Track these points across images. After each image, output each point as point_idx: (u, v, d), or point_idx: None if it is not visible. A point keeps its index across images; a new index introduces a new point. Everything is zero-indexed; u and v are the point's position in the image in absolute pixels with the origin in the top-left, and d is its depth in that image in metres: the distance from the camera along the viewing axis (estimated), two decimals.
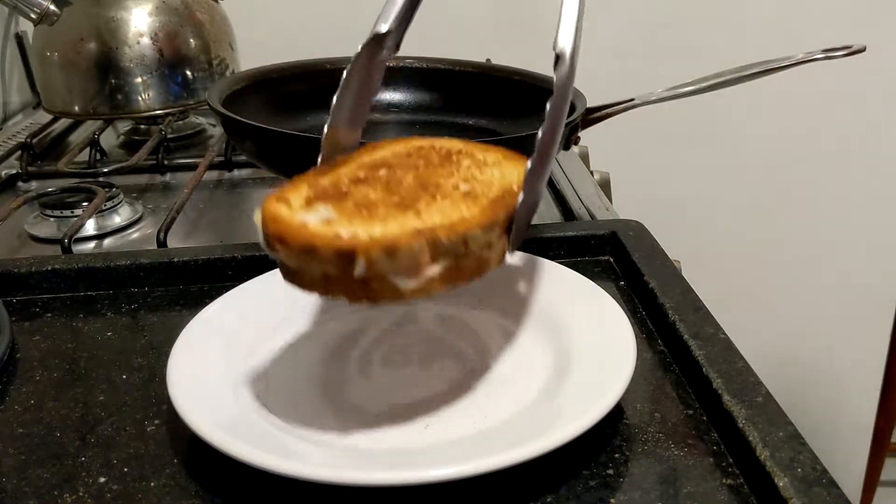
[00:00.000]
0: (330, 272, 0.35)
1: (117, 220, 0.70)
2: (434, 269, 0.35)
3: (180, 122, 0.95)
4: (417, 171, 0.42)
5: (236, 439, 0.35)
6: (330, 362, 0.45)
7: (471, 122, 0.78)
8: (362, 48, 0.44)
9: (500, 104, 0.77)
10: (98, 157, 0.86)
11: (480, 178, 0.42)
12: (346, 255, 0.34)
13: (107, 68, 0.85)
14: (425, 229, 0.35)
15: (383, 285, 0.35)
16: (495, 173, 0.43)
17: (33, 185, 0.81)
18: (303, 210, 0.37)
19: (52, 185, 0.74)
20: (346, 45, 0.88)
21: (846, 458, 1.43)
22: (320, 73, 0.79)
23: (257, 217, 0.37)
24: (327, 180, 0.41)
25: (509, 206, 0.39)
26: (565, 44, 0.41)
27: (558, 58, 0.41)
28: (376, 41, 0.44)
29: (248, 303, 0.48)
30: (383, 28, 0.44)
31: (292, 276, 0.37)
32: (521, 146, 0.61)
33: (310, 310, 0.49)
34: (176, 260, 0.56)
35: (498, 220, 0.38)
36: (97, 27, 0.85)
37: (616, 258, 0.58)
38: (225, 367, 0.42)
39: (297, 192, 0.39)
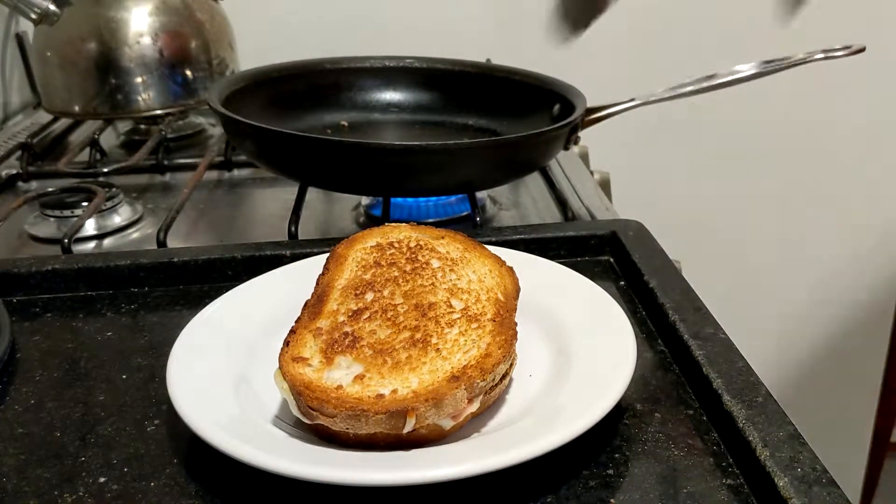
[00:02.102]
0: (379, 430, 0.36)
1: (117, 220, 0.70)
2: (473, 407, 0.37)
3: (180, 122, 0.95)
4: (400, 287, 0.44)
5: (236, 439, 0.35)
6: None
7: (471, 122, 0.78)
8: None
9: (499, 104, 0.77)
10: (98, 157, 0.86)
11: (463, 286, 0.44)
12: (396, 415, 0.35)
13: (107, 68, 0.85)
14: (462, 376, 0.37)
15: (429, 429, 0.37)
16: (471, 277, 0.45)
17: (33, 185, 0.81)
18: (326, 367, 0.38)
19: (52, 185, 0.74)
20: (345, 45, 0.88)
21: (846, 458, 1.43)
22: (320, 73, 0.79)
23: (281, 384, 0.38)
24: (326, 323, 0.42)
25: (508, 319, 0.42)
26: None
27: None
28: None
29: (247, 302, 0.48)
30: None
31: (333, 437, 0.37)
32: (521, 146, 0.62)
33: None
34: (176, 260, 0.56)
35: (511, 341, 0.40)
36: (97, 27, 0.85)
37: (616, 258, 0.58)
38: (224, 366, 0.42)
39: (306, 345, 0.40)
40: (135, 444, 0.40)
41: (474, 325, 0.41)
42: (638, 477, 0.37)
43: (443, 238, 0.49)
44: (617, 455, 0.38)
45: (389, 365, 0.38)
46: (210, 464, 0.37)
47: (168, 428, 0.41)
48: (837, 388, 1.42)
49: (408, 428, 0.35)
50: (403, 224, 0.51)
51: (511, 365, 0.41)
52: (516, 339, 0.41)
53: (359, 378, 0.37)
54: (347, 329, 0.41)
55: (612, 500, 0.35)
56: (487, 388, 0.38)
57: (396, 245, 0.48)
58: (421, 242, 0.48)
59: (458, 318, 0.41)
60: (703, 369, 0.42)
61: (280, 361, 0.39)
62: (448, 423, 0.37)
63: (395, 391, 0.36)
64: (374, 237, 0.49)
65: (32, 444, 0.40)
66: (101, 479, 0.37)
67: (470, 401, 0.37)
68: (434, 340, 0.40)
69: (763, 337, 1.37)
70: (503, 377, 0.40)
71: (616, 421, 0.40)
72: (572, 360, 0.42)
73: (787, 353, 1.38)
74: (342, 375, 0.38)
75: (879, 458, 1.36)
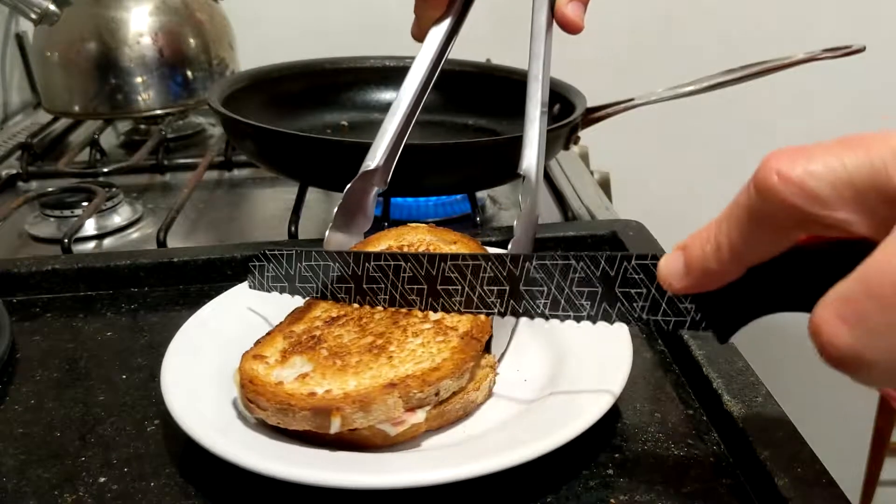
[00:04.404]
0: (310, 428, 0.36)
1: (117, 220, 0.70)
2: (417, 417, 0.37)
3: (180, 122, 0.95)
4: None
5: (231, 442, 0.35)
6: None
7: (470, 122, 0.78)
8: (353, 183, 0.48)
9: (499, 104, 0.76)
10: (98, 157, 0.86)
11: None
12: (321, 413, 0.35)
13: (107, 68, 0.85)
14: (399, 383, 0.36)
15: (372, 432, 0.36)
16: None
17: (33, 185, 0.81)
18: (279, 366, 0.39)
19: (52, 185, 0.74)
20: (345, 45, 0.88)
21: (846, 458, 1.42)
22: (320, 73, 0.79)
23: (236, 378, 0.38)
24: (302, 327, 0.42)
25: (477, 340, 0.40)
26: (529, 165, 0.48)
27: (523, 178, 0.47)
28: (365, 177, 0.48)
29: (243, 303, 0.48)
30: (371, 164, 0.48)
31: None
32: (521, 146, 0.62)
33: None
34: (176, 260, 0.56)
35: (468, 361, 0.39)
36: (97, 27, 0.85)
37: None
38: (220, 368, 0.42)
39: (273, 345, 0.40)
40: (135, 444, 0.40)
41: (440, 339, 0.40)
42: (638, 477, 0.37)
43: (455, 244, 0.49)
44: (617, 455, 0.38)
45: (337, 367, 0.38)
46: (210, 464, 0.37)
47: (168, 428, 0.41)
48: (837, 389, 1.42)
49: (334, 428, 0.35)
50: (422, 225, 0.50)
51: (475, 381, 0.39)
52: (477, 362, 0.40)
53: (302, 377, 0.37)
54: (317, 333, 0.41)
55: (612, 500, 0.35)
56: (432, 402, 0.37)
57: (407, 249, 0.48)
58: (431, 247, 0.48)
59: (428, 329, 0.41)
60: (703, 369, 0.42)
61: (241, 358, 0.39)
62: (391, 430, 0.36)
63: (328, 391, 0.36)
64: (388, 240, 0.49)
65: (32, 444, 0.40)
66: (101, 479, 0.37)
67: (411, 410, 0.36)
68: (391, 348, 0.39)
69: (763, 337, 1.37)
70: (465, 398, 0.39)
71: (616, 421, 0.40)
72: (569, 363, 0.42)
73: (787, 353, 1.38)
74: (289, 374, 0.38)
75: (879, 458, 1.36)
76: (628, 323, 0.34)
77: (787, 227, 0.27)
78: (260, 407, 0.36)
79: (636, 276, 0.33)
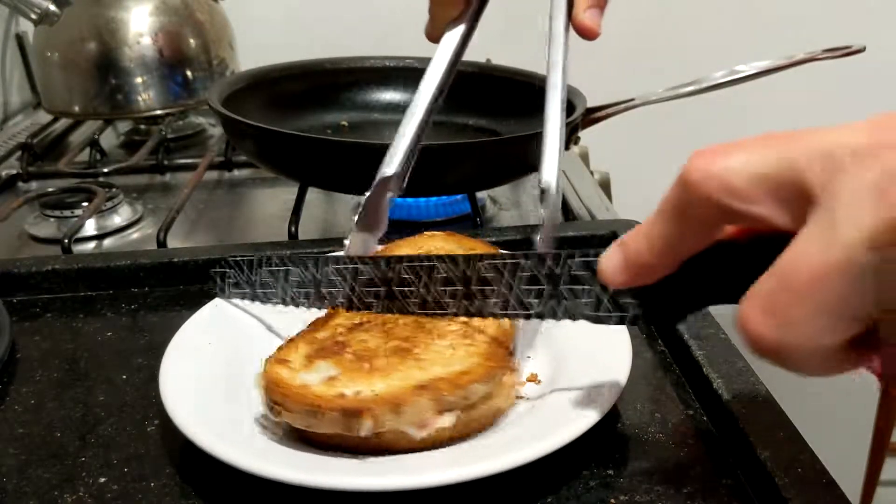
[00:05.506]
0: (339, 431, 0.35)
1: (117, 220, 0.70)
2: (444, 421, 0.36)
3: (180, 122, 0.95)
4: None
5: (230, 444, 0.35)
6: None
7: (471, 122, 0.78)
8: (372, 190, 0.48)
9: (500, 104, 0.77)
10: (98, 157, 0.86)
11: None
12: (351, 415, 0.35)
13: (107, 68, 0.85)
14: (430, 386, 0.36)
15: (396, 436, 0.36)
16: None
17: (33, 185, 0.81)
18: (303, 370, 0.38)
19: (52, 185, 0.74)
20: (345, 45, 0.88)
21: (846, 458, 1.42)
22: (320, 73, 0.79)
23: (260, 381, 0.38)
24: (325, 334, 0.42)
25: (507, 339, 0.40)
26: (550, 178, 0.46)
27: (544, 192, 0.46)
28: (382, 184, 0.48)
29: (243, 304, 0.48)
30: (389, 172, 0.48)
31: (301, 433, 0.37)
32: (521, 146, 0.62)
33: (304, 312, 0.49)
34: (176, 260, 0.56)
35: (496, 369, 0.38)
36: (97, 27, 0.85)
37: None
38: (219, 369, 0.42)
39: (296, 351, 0.40)
40: (135, 444, 0.40)
41: (467, 342, 0.40)
42: (638, 477, 0.37)
43: (473, 250, 0.48)
44: (617, 455, 0.38)
45: (364, 370, 0.38)
46: (209, 465, 0.37)
47: (168, 428, 0.41)
48: (837, 389, 1.42)
49: (365, 431, 0.35)
50: (438, 234, 0.50)
51: (502, 387, 0.39)
52: (505, 368, 0.39)
53: (330, 380, 0.37)
54: (341, 339, 0.41)
55: (612, 500, 0.35)
56: (462, 406, 0.37)
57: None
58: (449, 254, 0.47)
59: (454, 331, 0.41)
60: (703, 369, 0.42)
61: (265, 362, 0.39)
62: (416, 433, 0.36)
63: (358, 393, 0.36)
64: (404, 249, 0.49)
65: (32, 444, 0.40)
66: (101, 479, 0.37)
67: (440, 414, 0.36)
68: (418, 350, 0.39)
69: None
70: (491, 404, 0.38)
71: (616, 421, 0.40)
72: (568, 364, 0.42)
73: None
74: (315, 378, 0.37)
75: (879, 458, 1.36)
76: (573, 319, 0.34)
77: (712, 221, 0.28)
78: (287, 409, 0.36)
79: (580, 273, 0.34)
